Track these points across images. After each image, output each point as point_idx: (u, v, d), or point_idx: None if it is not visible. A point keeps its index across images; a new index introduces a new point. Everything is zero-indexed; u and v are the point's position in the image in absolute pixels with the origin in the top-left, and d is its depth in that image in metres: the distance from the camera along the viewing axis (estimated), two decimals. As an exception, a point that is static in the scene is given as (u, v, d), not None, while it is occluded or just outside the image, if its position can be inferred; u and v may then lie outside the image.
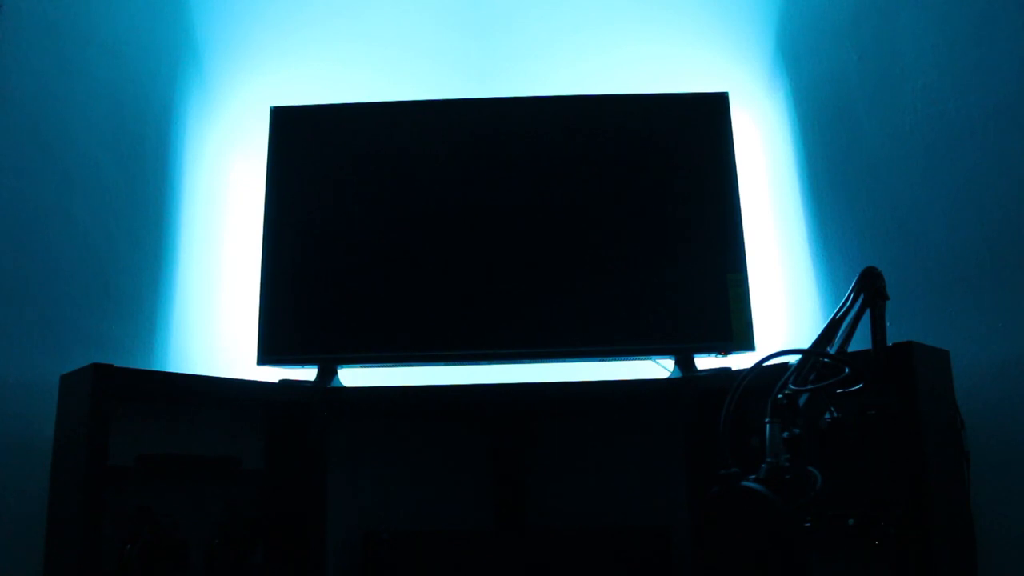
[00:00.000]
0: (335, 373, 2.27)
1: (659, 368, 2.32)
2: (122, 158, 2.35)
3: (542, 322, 2.26)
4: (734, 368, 2.19)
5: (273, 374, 2.25)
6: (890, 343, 1.41)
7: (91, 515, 1.78)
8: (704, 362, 2.26)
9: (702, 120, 2.38)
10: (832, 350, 1.39)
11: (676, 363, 2.24)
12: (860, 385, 1.32)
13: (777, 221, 2.45)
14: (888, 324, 1.36)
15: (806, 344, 1.43)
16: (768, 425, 1.33)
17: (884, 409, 1.36)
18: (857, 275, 1.39)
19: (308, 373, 2.28)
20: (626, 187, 2.34)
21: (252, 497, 2.14)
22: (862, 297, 1.38)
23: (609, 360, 2.31)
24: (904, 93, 2.18)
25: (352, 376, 2.32)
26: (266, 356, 2.26)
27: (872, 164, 2.24)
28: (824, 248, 2.33)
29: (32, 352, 2.08)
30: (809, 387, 1.34)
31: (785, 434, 1.32)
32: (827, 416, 1.35)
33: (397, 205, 2.34)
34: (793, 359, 1.41)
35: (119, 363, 1.89)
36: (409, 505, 2.27)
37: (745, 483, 1.28)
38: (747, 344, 2.22)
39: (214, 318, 2.44)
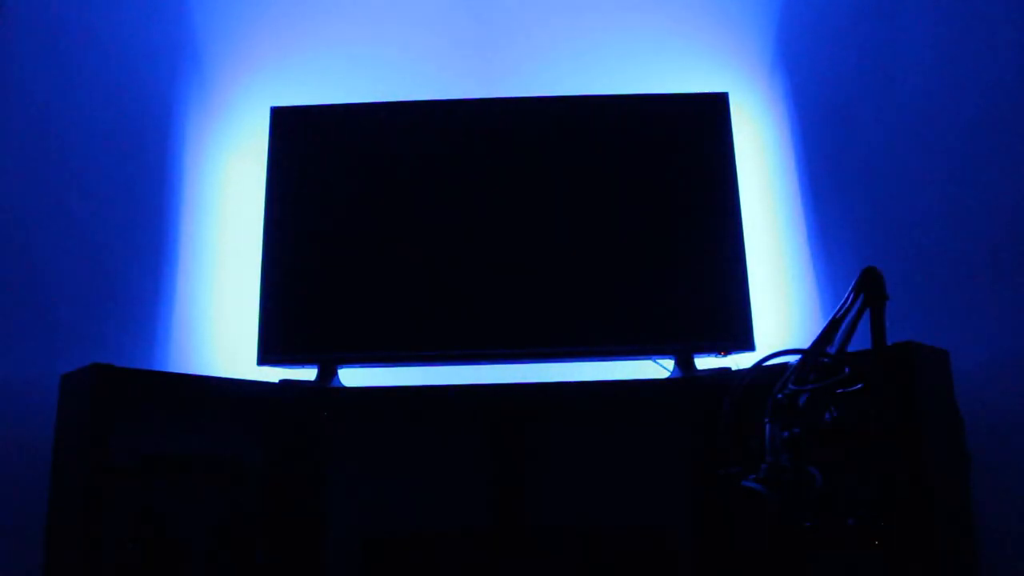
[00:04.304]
0: (335, 373, 2.27)
1: (659, 368, 2.32)
2: (122, 158, 2.35)
3: (542, 322, 2.26)
4: (734, 368, 2.19)
5: (273, 374, 2.25)
6: (890, 343, 1.41)
7: (91, 515, 1.78)
8: (704, 362, 2.26)
9: (702, 120, 2.38)
10: (832, 350, 1.39)
11: (676, 363, 2.24)
12: (860, 385, 1.32)
13: (777, 221, 2.45)
14: (888, 324, 1.36)
15: (806, 344, 1.43)
16: (768, 425, 1.33)
17: (884, 409, 1.36)
18: (857, 275, 1.39)
19: (308, 373, 2.28)
20: (626, 187, 2.34)
21: (252, 497, 2.14)
22: (862, 297, 1.38)
23: (609, 360, 2.32)
24: (904, 93, 2.18)
25: (352, 376, 2.32)
26: (266, 356, 2.26)
27: (872, 164, 2.24)
28: (824, 248, 2.33)
29: (32, 352, 2.09)
30: (809, 387, 1.34)
31: (785, 434, 1.32)
32: (827, 416, 1.35)
33: (397, 205, 2.34)
34: (793, 359, 1.41)
35: (119, 363, 1.89)
36: (409, 505, 2.27)
37: (745, 483, 1.28)
38: (747, 344, 2.22)
39: (214, 318, 2.44)
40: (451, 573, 2.15)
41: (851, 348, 1.39)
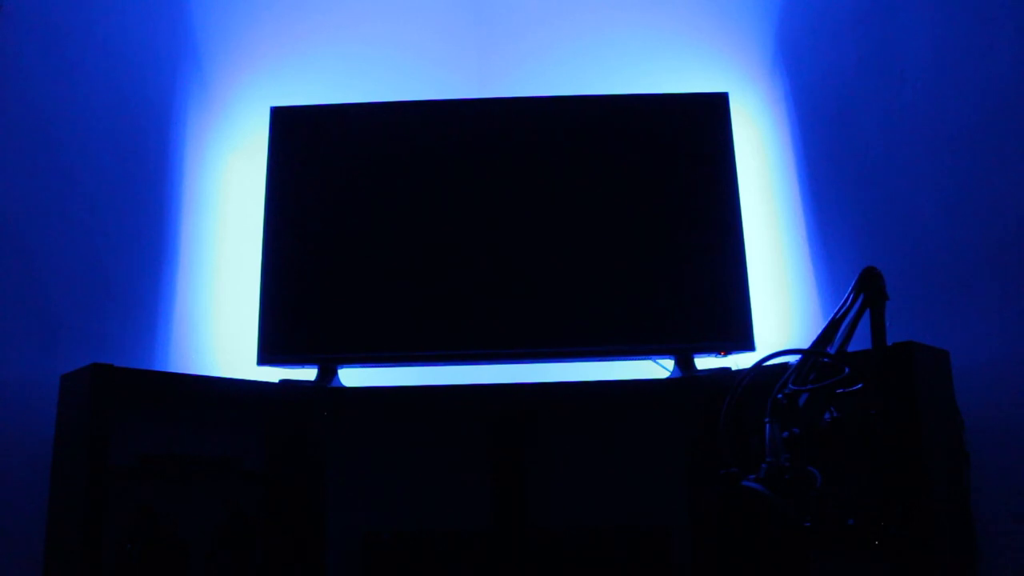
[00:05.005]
0: (335, 373, 2.27)
1: (659, 368, 2.32)
2: (122, 158, 2.35)
3: (542, 322, 2.26)
4: (734, 368, 2.19)
5: (273, 374, 2.25)
6: (890, 343, 1.41)
7: (91, 515, 1.78)
8: (704, 362, 2.26)
9: (702, 120, 2.38)
10: (832, 350, 1.39)
11: (676, 363, 2.24)
12: (860, 385, 1.32)
13: (777, 221, 2.45)
14: (888, 324, 1.36)
15: (806, 344, 1.43)
16: (768, 425, 1.33)
17: (884, 409, 1.36)
18: (857, 275, 1.39)
19: (308, 373, 2.28)
20: (626, 187, 2.34)
21: (252, 497, 2.14)
22: (862, 297, 1.38)
23: (609, 360, 2.32)
24: (904, 93, 2.18)
25: (352, 376, 2.32)
26: (266, 356, 2.26)
27: (872, 164, 2.24)
28: (824, 248, 2.33)
29: (32, 352, 2.08)
30: (809, 387, 1.34)
31: (785, 434, 1.32)
32: (827, 416, 1.34)
33: (397, 205, 2.34)
34: (793, 359, 1.41)
35: (119, 363, 1.89)
36: (409, 505, 2.27)
37: (745, 483, 1.28)
38: (747, 344, 2.22)
39: (214, 318, 2.44)
40: (451, 572, 2.15)
41: (851, 348, 1.39)
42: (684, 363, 2.23)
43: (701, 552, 2.03)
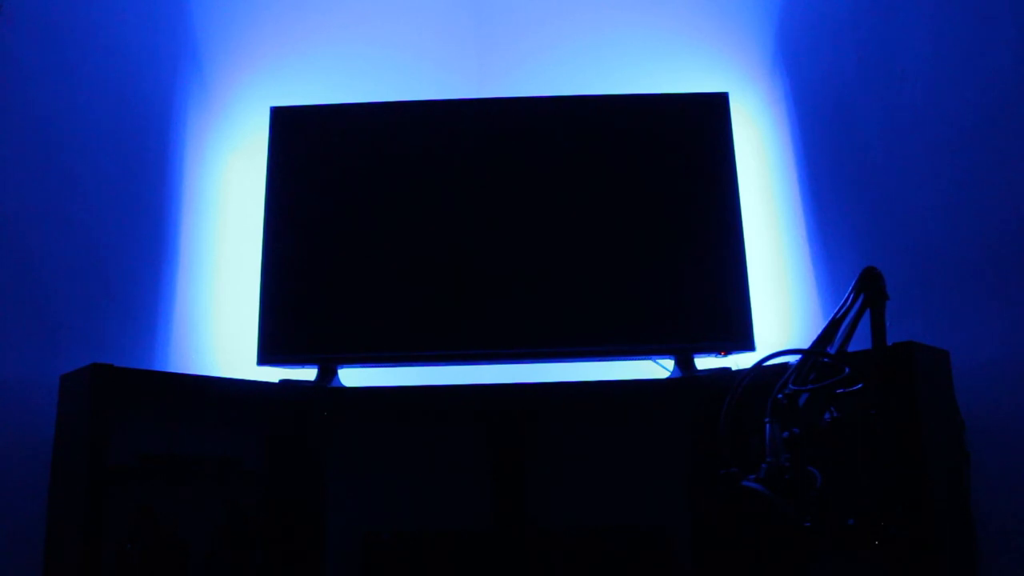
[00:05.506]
0: (335, 373, 2.27)
1: (659, 368, 2.32)
2: (122, 158, 2.35)
3: (542, 322, 2.26)
4: (734, 368, 2.19)
5: (273, 374, 2.25)
6: (890, 343, 1.41)
7: (91, 515, 1.78)
8: (704, 362, 2.26)
9: (702, 120, 2.38)
10: (832, 350, 1.39)
11: (676, 363, 2.24)
12: (860, 385, 1.32)
13: (777, 221, 2.45)
14: (888, 324, 1.36)
15: (806, 344, 1.43)
16: (768, 425, 1.33)
17: (884, 409, 1.35)
18: (857, 275, 1.39)
19: (308, 373, 2.28)
20: (626, 187, 2.34)
21: (252, 497, 2.14)
22: (862, 297, 1.38)
23: (609, 360, 2.32)
24: (904, 93, 2.18)
25: (352, 376, 2.32)
26: (266, 356, 2.26)
27: (872, 164, 2.24)
28: (824, 248, 2.33)
29: (32, 352, 2.08)
30: (809, 387, 1.34)
31: (785, 434, 1.32)
32: (827, 416, 1.34)
33: (397, 205, 2.34)
34: (793, 359, 1.41)
35: (119, 363, 1.89)
36: (409, 505, 2.27)
37: (745, 483, 1.28)
38: (747, 344, 2.22)
39: (214, 318, 2.44)
40: (451, 572, 2.15)
41: (851, 348, 1.39)
42: (684, 363, 2.23)
43: (701, 552, 2.03)
